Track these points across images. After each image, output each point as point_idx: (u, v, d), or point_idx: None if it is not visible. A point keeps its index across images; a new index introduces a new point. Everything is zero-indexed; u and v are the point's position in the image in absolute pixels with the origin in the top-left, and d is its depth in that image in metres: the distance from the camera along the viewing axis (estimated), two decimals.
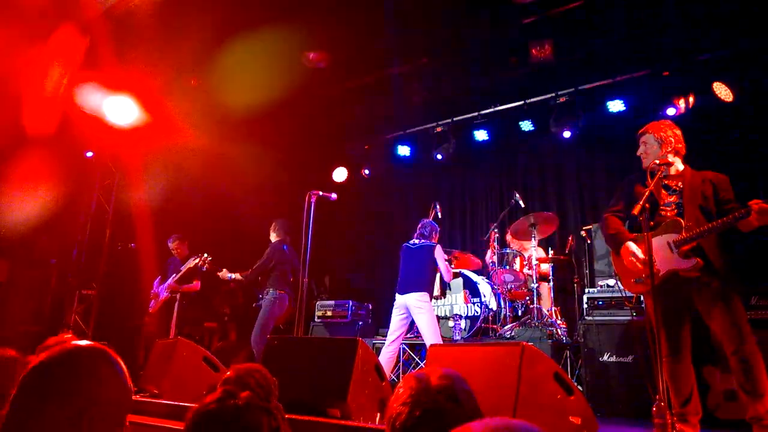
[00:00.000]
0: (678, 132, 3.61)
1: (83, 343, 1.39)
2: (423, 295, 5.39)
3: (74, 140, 7.47)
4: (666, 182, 3.54)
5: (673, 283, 3.34)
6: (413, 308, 5.37)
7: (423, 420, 1.23)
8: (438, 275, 5.80)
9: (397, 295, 5.58)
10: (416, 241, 5.71)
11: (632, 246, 3.46)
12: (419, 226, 5.80)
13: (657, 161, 3.49)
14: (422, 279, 5.49)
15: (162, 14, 5.79)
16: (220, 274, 6.21)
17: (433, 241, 5.68)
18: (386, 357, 5.38)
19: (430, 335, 5.27)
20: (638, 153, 3.70)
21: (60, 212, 7.34)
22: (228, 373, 2.65)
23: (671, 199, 3.50)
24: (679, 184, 3.51)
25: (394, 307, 5.60)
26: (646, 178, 3.50)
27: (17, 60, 5.96)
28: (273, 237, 6.30)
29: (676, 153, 3.58)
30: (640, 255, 3.41)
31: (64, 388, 1.28)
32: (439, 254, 5.55)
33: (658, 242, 3.39)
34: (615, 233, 3.62)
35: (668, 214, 3.46)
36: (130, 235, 7.85)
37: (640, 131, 3.70)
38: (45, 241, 7.44)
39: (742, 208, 3.17)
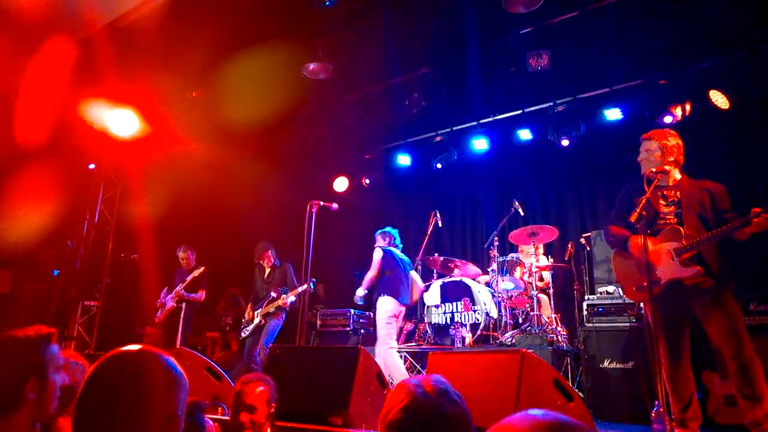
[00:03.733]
0: (680, 143, 3.67)
1: (136, 347, 1.34)
2: None
3: (77, 152, 7.53)
4: (664, 192, 3.58)
5: (673, 291, 3.38)
6: None
7: (417, 424, 1.25)
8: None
9: (403, 305, 5.91)
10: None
11: (640, 240, 3.47)
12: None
13: (654, 169, 3.53)
14: None
15: (165, 28, 5.86)
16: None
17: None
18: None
19: None
20: (639, 159, 3.73)
21: (63, 224, 7.39)
22: (238, 386, 2.72)
23: (669, 209, 3.53)
24: (677, 193, 3.55)
25: (401, 316, 5.93)
26: (644, 186, 3.54)
27: (19, 74, 6.04)
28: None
29: (676, 163, 3.63)
30: (651, 247, 3.43)
31: (155, 395, 1.23)
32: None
33: (660, 250, 3.43)
34: (616, 236, 3.66)
35: (667, 221, 3.50)
36: (132, 246, 7.89)
37: (644, 136, 3.73)
38: (48, 253, 7.48)
39: (740, 217, 3.22)
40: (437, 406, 1.26)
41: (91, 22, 5.94)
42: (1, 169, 6.72)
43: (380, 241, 6.16)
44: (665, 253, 3.41)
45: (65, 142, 7.15)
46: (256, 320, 6.21)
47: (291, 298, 6.10)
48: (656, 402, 2.91)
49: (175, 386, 1.27)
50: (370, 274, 5.95)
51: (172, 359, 1.31)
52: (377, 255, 6.04)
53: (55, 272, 7.60)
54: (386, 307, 5.74)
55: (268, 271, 6.52)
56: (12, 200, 6.72)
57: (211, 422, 1.86)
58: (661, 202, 3.57)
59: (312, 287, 6.00)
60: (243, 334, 6.35)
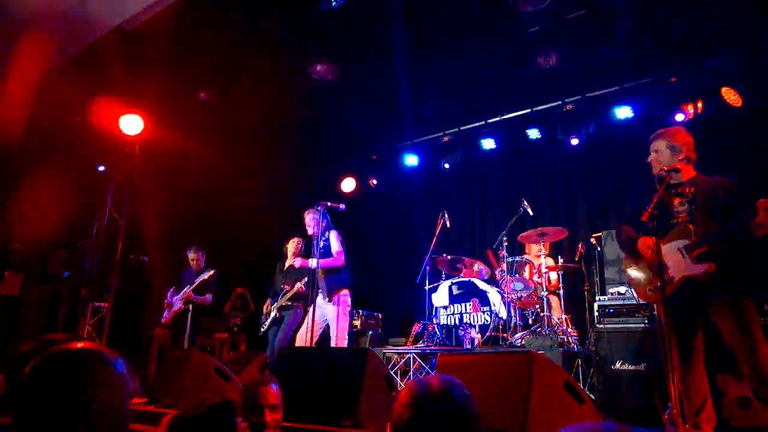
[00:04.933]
0: (690, 139, 3.61)
1: (81, 344, 1.38)
2: None
3: (86, 155, 7.58)
4: (678, 189, 3.54)
5: (686, 290, 3.33)
6: None
7: (423, 422, 1.26)
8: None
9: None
10: None
11: (649, 240, 3.42)
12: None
13: (665, 168, 3.48)
14: None
15: (173, 31, 5.88)
16: None
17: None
18: None
19: None
20: (648, 159, 3.68)
21: (72, 226, 7.43)
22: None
23: (683, 207, 3.48)
24: (691, 190, 3.49)
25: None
26: (655, 185, 3.50)
27: (30, 77, 6.08)
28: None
29: (688, 160, 3.57)
30: (662, 246, 3.38)
31: (92, 389, 1.28)
32: None
33: (670, 249, 3.38)
34: (627, 239, 3.62)
35: (680, 220, 3.45)
36: (141, 248, 7.92)
37: (652, 136, 3.68)
38: (58, 255, 7.53)
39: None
40: (442, 408, 1.27)
41: (100, 25, 5.96)
42: (12, 171, 6.77)
43: (316, 220, 5.65)
44: (676, 251, 3.36)
45: (74, 145, 7.20)
46: (273, 314, 6.11)
47: (301, 282, 5.91)
48: (669, 404, 2.87)
49: (113, 381, 1.32)
50: (336, 263, 5.61)
51: (112, 355, 1.36)
52: (336, 238, 5.70)
53: (66, 274, 7.64)
54: (349, 300, 5.66)
55: (288, 264, 6.31)
56: (22, 202, 6.77)
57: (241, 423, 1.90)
58: (675, 200, 3.52)
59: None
60: (262, 328, 6.22)
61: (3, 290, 7.06)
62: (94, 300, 7.45)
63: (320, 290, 5.66)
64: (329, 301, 5.58)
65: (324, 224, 5.71)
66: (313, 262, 5.57)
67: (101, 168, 7.98)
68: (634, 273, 3.64)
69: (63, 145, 7.10)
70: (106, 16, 5.80)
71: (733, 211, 3.31)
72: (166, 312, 6.80)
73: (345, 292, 5.66)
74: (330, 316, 5.59)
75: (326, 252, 5.69)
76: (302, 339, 5.50)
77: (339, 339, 5.46)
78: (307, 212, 5.89)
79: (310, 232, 5.85)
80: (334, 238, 5.73)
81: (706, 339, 3.40)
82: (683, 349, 3.32)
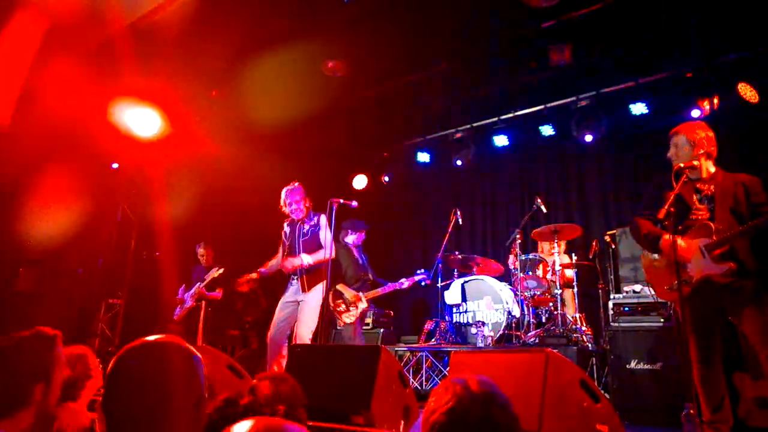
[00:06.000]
0: (711, 134, 3.56)
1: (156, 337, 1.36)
2: None
3: (100, 152, 7.62)
4: (698, 186, 3.49)
5: (706, 290, 3.28)
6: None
7: (467, 427, 1.21)
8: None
9: None
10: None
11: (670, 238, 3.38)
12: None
13: (682, 164, 3.44)
14: None
15: (186, 27, 5.89)
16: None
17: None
18: None
19: None
20: (668, 155, 3.63)
21: (86, 223, 7.48)
22: (254, 381, 2.69)
23: (703, 203, 3.44)
24: (711, 187, 3.45)
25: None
26: (673, 182, 3.45)
27: (42, 73, 6.11)
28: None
29: (708, 156, 3.52)
30: (683, 245, 3.35)
31: (185, 380, 1.27)
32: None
33: (690, 247, 3.34)
34: (648, 233, 3.57)
35: (700, 217, 3.41)
36: (154, 244, 7.96)
37: (672, 132, 3.64)
38: (72, 252, 7.58)
39: None
40: (485, 410, 1.22)
41: (114, 21, 5.98)
42: (26, 168, 6.83)
43: (302, 200, 5.33)
44: (696, 249, 3.32)
45: (88, 142, 7.24)
46: (362, 305, 5.51)
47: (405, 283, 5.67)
48: (686, 404, 2.83)
49: (197, 370, 1.31)
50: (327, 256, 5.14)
51: (187, 345, 1.35)
52: (327, 224, 5.26)
53: (79, 270, 7.70)
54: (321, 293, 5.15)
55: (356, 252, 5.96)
56: (37, 200, 6.83)
57: None
58: (695, 196, 3.47)
59: (427, 277, 5.62)
60: (347, 320, 5.54)
61: (18, 287, 7.13)
62: (108, 296, 7.50)
63: (295, 280, 5.16)
64: (306, 292, 5.05)
65: (309, 206, 5.31)
66: (306, 259, 5.06)
67: (115, 165, 8.04)
68: (651, 270, 3.59)
69: (77, 142, 7.14)
70: (120, 12, 5.81)
71: (755, 209, 3.26)
72: (178, 309, 6.84)
73: (321, 284, 5.08)
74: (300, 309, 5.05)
75: (314, 238, 5.21)
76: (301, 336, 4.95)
77: (304, 333, 4.89)
78: (295, 192, 5.33)
79: (296, 214, 5.29)
80: (326, 223, 5.20)
81: (723, 338, 3.36)
82: (701, 349, 3.28)
